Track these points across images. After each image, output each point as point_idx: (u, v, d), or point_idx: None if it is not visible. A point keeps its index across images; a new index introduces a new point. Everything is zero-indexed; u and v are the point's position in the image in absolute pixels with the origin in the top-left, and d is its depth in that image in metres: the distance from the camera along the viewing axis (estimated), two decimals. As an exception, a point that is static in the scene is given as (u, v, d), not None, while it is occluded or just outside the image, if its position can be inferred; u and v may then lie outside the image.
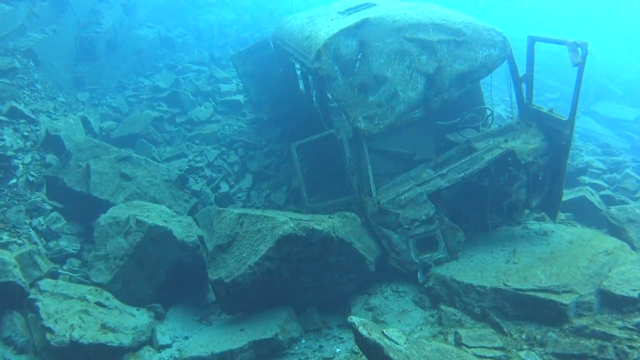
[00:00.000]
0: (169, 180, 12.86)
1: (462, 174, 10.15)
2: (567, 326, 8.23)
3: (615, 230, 11.26)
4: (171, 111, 17.22)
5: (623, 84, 30.45)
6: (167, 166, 13.56)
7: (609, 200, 13.14)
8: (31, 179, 12.13)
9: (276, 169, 14.91)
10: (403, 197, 10.00)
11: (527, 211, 11.26)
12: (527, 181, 10.42)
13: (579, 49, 9.19)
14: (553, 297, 8.42)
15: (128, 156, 12.79)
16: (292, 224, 8.86)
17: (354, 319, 6.82)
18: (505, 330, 8.43)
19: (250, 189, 14.39)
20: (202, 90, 18.57)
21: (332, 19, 11.52)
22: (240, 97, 18.03)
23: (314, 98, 12.55)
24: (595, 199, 12.77)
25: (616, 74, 31.71)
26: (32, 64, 15.83)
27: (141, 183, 12.43)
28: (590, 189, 13.25)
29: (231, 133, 16.29)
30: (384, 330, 6.80)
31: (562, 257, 9.41)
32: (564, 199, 11.00)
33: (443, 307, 9.16)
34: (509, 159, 10.36)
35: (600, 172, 15.75)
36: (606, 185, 14.50)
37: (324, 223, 9.22)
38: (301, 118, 14.80)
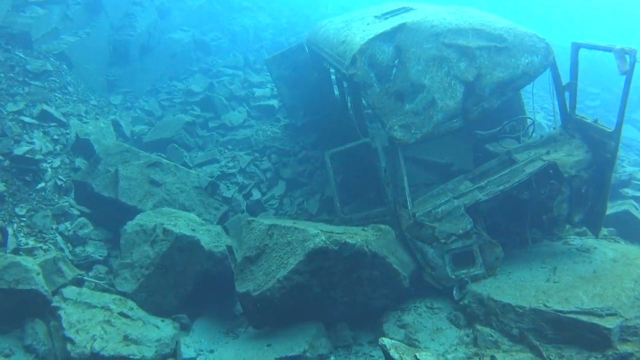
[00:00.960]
0: (199, 187, 12.62)
1: (501, 187, 9.73)
2: (610, 352, 7.78)
3: (661, 247, 10.82)
4: (204, 115, 17.06)
5: None
6: (198, 172, 13.32)
7: (654, 215, 12.67)
8: (59, 183, 11.99)
9: (310, 177, 14.60)
10: (440, 209, 9.62)
11: (568, 226, 10.80)
12: (569, 195, 9.98)
13: (626, 56, 8.78)
14: (596, 320, 7.95)
15: (158, 162, 12.57)
16: (323, 237, 8.52)
17: (385, 341, 6.54)
18: (544, 354, 7.99)
19: (282, 197, 14.08)
20: (236, 94, 18.40)
21: (368, 24, 11.21)
22: (274, 102, 17.84)
23: (348, 105, 12.20)
24: (639, 213, 12.31)
25: (659, 78, 30.90)
26: (64, 66, 15.77)
27: (170, 189, 12.20)
28: (634, 203, 12.82)
29: (264, 139, 16.03)
30: (416, 354, 6.47)
31: (605, 277, 8.95)
32: (607, 212, 10.47)
33: (479, 327, 8.74)
34: (551, 171, 9.94)
35: None
36: (649, 199, 14.05)
37: (356, 236, 8.87)
38: (336, 125, 14.48)
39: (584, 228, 11.18)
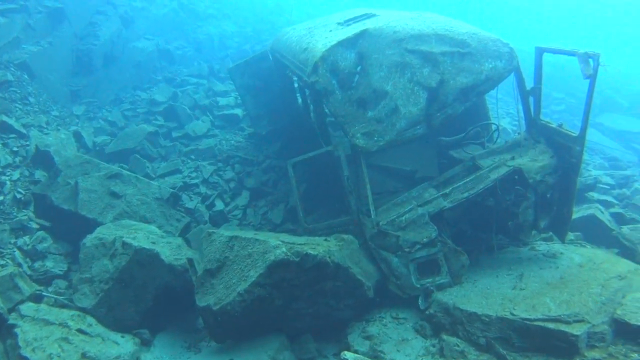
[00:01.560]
0: (160, 198, 12.39)
1: (466, 194, 9.62)
2: (578, 359, 7.68)
3: (628, 251, 10.83)
4: (167, 125, 16.81)
5: (629, 96, 30.44)
6: (159, 184, 13.09)
7: (619, 219, 12.69)
8: (18, 196, 11.76)
9: (274, 186, 14.41)
10: (403, 218, 9.49)
11: (534, 232, 10.71)
12: (535, 201, 9.91)
13: (590, 60, 8.71)
14: (563, 327, 7.85)
15: (118, 173, 12.33)
16: (284, 249, 8.35)
17: (347, 355, 6.36)
18: (512, 363, 7.91)
19: (246, 207, 13.87)
20: (200, 103, 18.17)
21: (331, 30, 11.04)
22: (238, 111, 17.64)
23: (311, 113, 12.03)
24: (605, 217, 12.31)
25: (621, 85, 31.57)
26: (26, 76, 15.50)
27: (131, 201, 11.97)
28: (600, 207, 12.80)
29: (228, 148, 15.84)
30: (379, 368, 6.32)
31: (572, 283, 8.87)
32: (572, 216, 10.42)
33: (445, 336, 8.61)
34: (516, 177, 9.84)
35: (608, 187, 15.45)
36: (615, 202, 14.13)
37: (318, 247, 8.71)
38: (300, 133, 14.35)
39: (550, 233, 11.11)
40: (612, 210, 13.16)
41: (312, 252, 8.41)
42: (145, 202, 12.15)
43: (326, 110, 10.49)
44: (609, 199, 14.16)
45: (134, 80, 19.98)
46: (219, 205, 13.70)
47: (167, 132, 16.54)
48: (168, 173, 14.67)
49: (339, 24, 11.40)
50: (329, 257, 8.52)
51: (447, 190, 9.74)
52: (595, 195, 14.21)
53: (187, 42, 24.24)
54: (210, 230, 9.88)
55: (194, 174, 14.66)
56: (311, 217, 11.89)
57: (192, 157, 15.49)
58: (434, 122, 9.67)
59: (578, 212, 12.33)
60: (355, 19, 11.38)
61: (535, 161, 9.89)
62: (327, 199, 12.36)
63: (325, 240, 9.30)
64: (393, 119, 9.56)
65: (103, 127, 16.56)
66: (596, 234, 11.97)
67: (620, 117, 27.95)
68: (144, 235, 10.36)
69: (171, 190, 12.84)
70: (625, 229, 11.21)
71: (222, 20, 27.46)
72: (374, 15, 11.32)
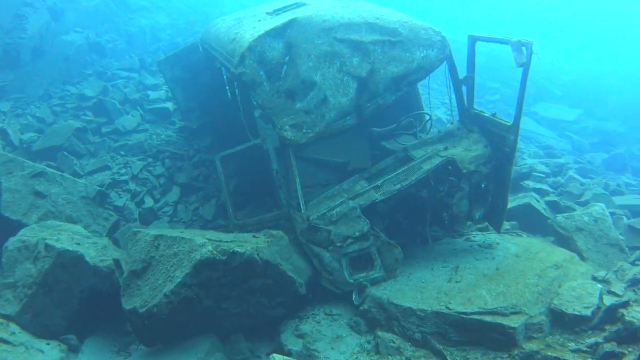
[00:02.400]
0: (86, 197, 11.89)
1: (398, 186, 9.40)
2: (516, 351, 7.59)
3: (563, 239, 10.77)
4: (97, 121, 16.25)
5: (562, 85, 31.02)
6: (85, 182, 12.57)
7: (554, 207, 12.70)
8: (-63, 198, 11.11)
9: (205, 181, 14.05)
10: (334, 212, 9.24)
11: (469, 222, 10.57)
12: (469, 191, 9.77)
13: (523, 48, 8.55)
14: (500, 319, 7.74)
15: (43, 172, 11.79)
16: (210, 247, 8.00)
17: (276, 358, 6.08)
18: (448, 358, 7.73)
19: (177, 203, 13.47)
20: (130, 98, 17.66)
21: (260, 20, 10.73)
22: (169, 105, 17.22)
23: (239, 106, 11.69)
24: (540, 205, 12.32)
25: (555, 75, 32.07)
26: (-52, 73, 14.84)
27: (56, 201, 11.45)
28: (535, 195, 12.82)
29: (158, 143, 15.40)
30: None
31: (508, 274, 8.77)
32: (508, 206, 10.33)
33: (380, 332, 8.38)
34: (449, 168, 9.66)
35: (544, 175, 15.53)
36: (551, 190, 14.20)
37: (246, 244, 8.40)
38: (231, 126, 13.96)
39: (486, 224, 11.00)
40: (548, 198, 13.18)
41: (239, 249, 8.10)
42: (71, 201, 11.65)
43: (254, 102, 10.11)
44: (544, 187, 14.20)
45: (63, 74, 19.26)
46: (149, 202, 13.30)
47: (97, 128, 16.00)
48: (96, 170, 14.16)
49: (268, 13, 11.11)
50: (258, 255, 8.23)
51: (378, 183, 9.50)
52: (530, 183, 14.23)
53: (118, 34, 23.61)
54: (136, 229, 9.49)
55: (123, 170, 14.20)
56: (242, 212, 11.64)
57: (122, 152, 15.01)
58: (364, 113, 9.45)
59: (514, 201, 12.33)
60: (285, 9, 11.08)
61: (468, 151, 9.74)
62: (259, 193, 12.07)
63: (254, 236, 9.00)
64: (322, 110, 9.29)
65: (31, 123, 15.95)
66: (532, 222, 11.99)
67: (554, 106, 28.36)
68: (68, 237, 9.90)
69: (98, 188, 12.35)
70: (560, 217, 11.12)
71: (154, 12, 26.88)
72: (304, 4, 11.04)
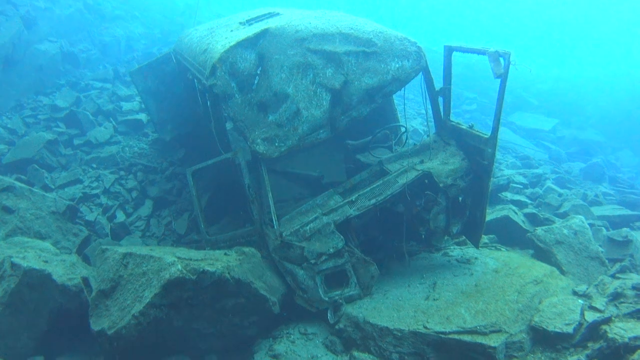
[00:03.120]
0: (56, 212, 11.55)
1: (373, 201, 9.14)
2: (497, 371, 7.34)
3: (543, 253, 10.60)
4: (69, 132, 15.98)
5: (538, 94, 31.34)
6: (59, 195, 12.31)
7: (533, 219, 12.55)
8: None
9: (178, 194, 13.79)
10: (308, 228, 8.95)
11: (447, 237, 10.35)
12: (446, 206, 9.53)
13: (501, 59, 8.32)
14: (480, 339, 7.52)
15: (10, 186, 11.46)
16: (179, 266, 7.69)
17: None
18: (426, 379, 7.50)
19: (149, 217, 13.19)
20: (103, 109, 17.38)
21: (232, 30, 10.47)
22: (142, 116, 16.95)
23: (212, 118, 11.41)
24: (519, 218, 12.16)
25: (530, 84, 32.27)
26: None
27: (24, 216, 11.12)
28: (514, 208, 12.65)
29: (131, 155, 15.11)
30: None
31: (487, 290, 8.56)
32: (486, 219, 10.06)
33: (356, 353, 8.13)
34: (426, 181, 9.43)
35: (522, 186, 15.54)
36: (529, 202, 14.17)
37: (217, 263, 8.11)
38: (205, 138, 13.69)
39: (464, 238, 10.76)
40: (526, 210, 13.04)
41: (209, 268, 7.80)
42: (40, 216, 11.32)
43: (225, 115, 9.82)
44: (522, 198, 14.13)
45: (36, 84, 18.98)
46: (120, 216, 13.00)
47: (69, 140, 15.73)
48: (68, 183, 13.86)
49: (240, 23, 10.87)
50: (229, 273, 7.95)
51: (353, 198, 9.24)
52: (508, 195, 14.13)
53: (92, 44, 23.35)
54: (104, 247, 9.17)
55: (94, 184, 13.89)
56: (215, 227, 11.43)
57: (94, 165, 14.71)
58: (338, 126, 9.22)
59: (492, 214, 12.18)
60: (257, 18, 10.85)
61: (445, 164, 9.51)
62: (233, 207, 11.78)
63: (225, 254, 8.71)
64: (295, 123, 9.04)
65: (1, 135, 15.64)
66: (511, 235, 11.83)
67: (530, 116, 28.50)
68: (35, 254, 9.56)
69: (68, 202, 12.01)
70: (539, 230, 10.93)
71: (129, 21, 26.68)
72: (277, 14, 10.82)
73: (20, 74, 18.59)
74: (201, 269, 7.76)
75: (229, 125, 11.21)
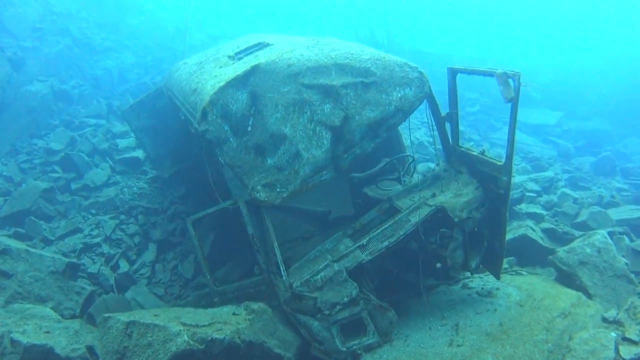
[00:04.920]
0: (56, 271, 11.08)
1: (385, 243, 8.60)
2: None
3: (566, 275, 10.12)
4: (65, 177, 15.52)
5: (540, 86, 30.35)
6: (53, 256, 11.70)
7: (552, 234, 12.17)
8: None
9: (182, 235, 13.32)
10: (319, 277, 8.40)
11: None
12: (462, 240, 8.96)
13: (510, 81, 7.77)
14: (510, 391, 6.96)
15: (6, 249, 10.97)
16: (186, 337, 7.19)
17: None
18: None
19: (154, 262, 12.72)
20: (99, 148, 16.94)
21: (221, 67, 9.98)
22: (139, 153, 16.53)
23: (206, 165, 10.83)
24: (537, 234, 11.74)
25: (532, 77, 31.62)
26: None
27: (23, 280, 10.65)
28: (531, 224, 12.23)
29: (130, 197, 14.66)
30: None
31: (513, 330, 8.02)
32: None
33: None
34: (440, 216, 8.88)
35: (535, 194, 15.18)
36: (545, 213, 13.75)
37: (226, 327, 7.61)
38: (205, 173, 13.20)
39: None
40: (544, 225, 12.66)
41: (218, 335, 7.31)
42: (40, 278, 10.85)
43: (221, 161, 9.24)
44: (538, 210, 13.70)
45: (30, 127, 18.51)
46: (124, 266, 12.48)
47: (66, 185, 15.30)
48: (67, 234, 13.38)
49: (230, 57, 10.38)
50: (239, 337, 7.47)
51: (364, 241, 8.71)
52: (523, 207, 13.74)
53: (84, 79, 22.88)
54: (106, 315, 8.63)
55: (95, 232, 13.42)
56: (222, 270, 11.04)
57: (93, 211, 14.24)
58: (342, 165, 8.61)
59: (509, 232, 11.69)
60: (247, 51, 10.38)
61: (459, 196, 8.98)
62: (239, 247, 11.28)
63: (234, 314, 8.19)
64: (295, 166, 8.45)
65: (-2, 184, 15.23)
66: (530, 254, 11.48)
67: (535, 111, 28.07)
68: (34, 327, 9.04)
69: (67, 260, 11.48)
70: (561, 252, 10.42)
71: (120, 52, 26.24)
72: (267, 45, 10.32)
73: (12, 118, 18.14)
74: (209, 338, 7.28)
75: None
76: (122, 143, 17.40)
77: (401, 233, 8.64)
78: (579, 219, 13.17)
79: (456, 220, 8.71)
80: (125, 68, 25.12)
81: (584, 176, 18.46)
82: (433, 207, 8.82)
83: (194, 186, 14.13)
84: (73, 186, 15.22)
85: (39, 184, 14.51)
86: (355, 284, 8.36)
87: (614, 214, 13.67)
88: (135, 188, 15.18)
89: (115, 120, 19.33)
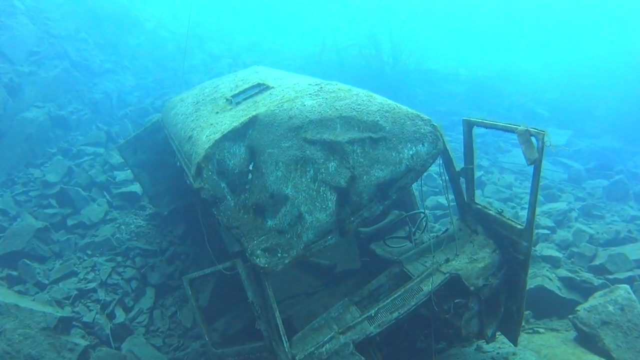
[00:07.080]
0: (47, 327, 10.59)
1: (395, 314, 7.95)
2: None
3: (587, 337, 9.57)
4: (62, 212, 15.02)
5: (547, 104, 30.37)
6: (44, 310, 11.16)
7: (569, 283, 11.56)
8: None
9: (181, 278, 12.68)
10: (324, 349, 7.75)
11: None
12: (478, 310, 8.36)
13: (532, 139, 7.15)
14: None
15: (-7, 307, 10.54)
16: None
17: None
18: None
19: (152, 309, 12.20)
20: (97, 180, 16.49)
21: (217, 112, 9.38)
22: (137, 188, 16.00)
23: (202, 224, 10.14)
24: (554, 285, 11.25)
25: (539, 93, 31.22)
26: None
27: (12, 338, 10.21)
28: (548, 274, 11.59)
29: (128, 236, 14.15)
30: None
31: (535, 408, 7.44)
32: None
33: None
34: (454, 283, 8.27)
35: (549, 231, 14.52)
36: (561, 256, 13.14)
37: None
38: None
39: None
40: (561, 272, 12.05)
41: None
42: (30, 335, 10.38)
43: (218, 220, 8.53)
44: (554, 253, 13.16)
45: (26, 155, 18.02)
46: (120, 315, 11.93)
47: (62, 221, 14.82)
48: (62, 277, 12.86)
49: (227, 100, 9.78)
50: None
51: (372, 312, 8.07)
52: (537, 249, 13.12)
53: (82, 103, 22.33)
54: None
55: (90, 276, 12.89)
56: (222, 321, 10.46)
57: (89, 252, 13.72)
58: (348, 229, 7.82)
59: (524, 283, 11.12)
60: (245, 93, 9.79)
61: (474, 261, 8.36)
62: (240, 295, 10.69)
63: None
64: (298, 229, 7.71)
65: (-8, 217, 14.71)
66: (547, 305, 10.98)
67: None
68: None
69: (58, 315, 11.02)
70: (582, 312, 9.85)
71: (119, 73, 25.74)
72: (267, 89, 9.70)
73: (8, 146, 17.67)
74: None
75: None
76: (120, 175, 16.96)
77: (412, 303, 8.01)
78: (596, 262, 12.69)
79: (472, 289, 8.13)
80: (125, 91, 24.60)
81: (597, 203, 18.08)
82: (447, 275, 8.23)
83: (194, 223, 13.51)
84: (69, 222, 14.80)
85: (34, 222, 14.05)
86: (363, 358, 7.76)
87: (632, 252, 13.12)
88: (132, 226, 14.68)
89: (114, 148, 18.79)
